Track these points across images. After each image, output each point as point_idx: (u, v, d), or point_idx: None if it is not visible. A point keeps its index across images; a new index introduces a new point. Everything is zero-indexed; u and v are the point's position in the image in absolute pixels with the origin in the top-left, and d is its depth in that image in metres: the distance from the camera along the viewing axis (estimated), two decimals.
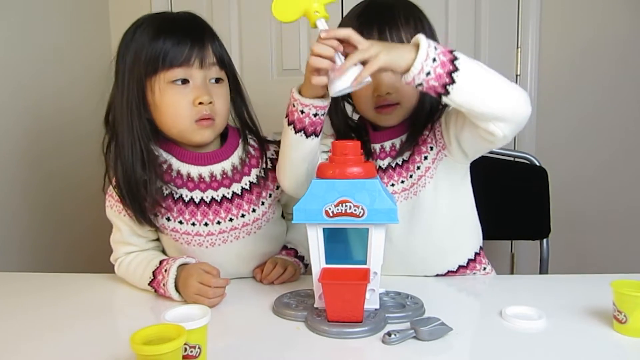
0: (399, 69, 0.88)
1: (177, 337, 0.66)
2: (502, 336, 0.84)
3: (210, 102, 1.03)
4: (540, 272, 1.51)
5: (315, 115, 0.95)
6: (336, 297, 0.84)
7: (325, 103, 0.95)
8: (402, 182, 1.10)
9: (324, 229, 0.87)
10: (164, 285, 1.01)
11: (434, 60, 0.86)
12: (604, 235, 2.11)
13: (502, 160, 1.47)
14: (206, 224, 1.10)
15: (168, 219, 1.09)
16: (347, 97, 1.12)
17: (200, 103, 1.01)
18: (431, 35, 1.08)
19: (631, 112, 2.06)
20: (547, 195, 1.49)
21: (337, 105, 1.12)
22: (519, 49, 2.07)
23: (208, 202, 1.09)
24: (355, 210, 0.83)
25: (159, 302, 1.03)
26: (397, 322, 0.87)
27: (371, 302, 0.90)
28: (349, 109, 1.16)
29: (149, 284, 1.04)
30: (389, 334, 0.81)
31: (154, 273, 1.04)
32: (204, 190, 1.09)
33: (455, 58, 0.87)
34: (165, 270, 1.02)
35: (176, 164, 1.08)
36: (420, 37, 0.87)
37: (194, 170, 1.08)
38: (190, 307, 0.78)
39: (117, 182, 1.06)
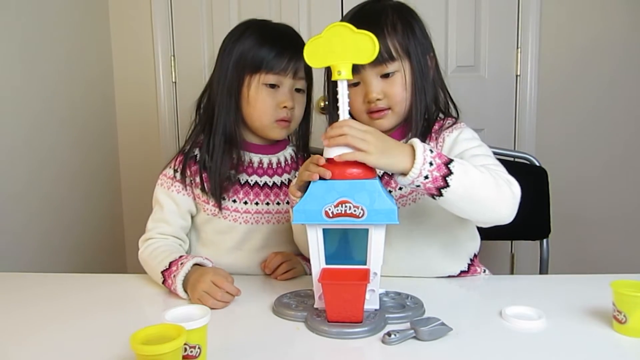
0: (391, 172, 0.90)
1: (177, 337, 0.66)
2: (502, 336, 0.84)
3: (292, 108, 1.18)
4: (540, 273, 1.51)
5: None
6: (336, 298, 0.84)
7: None
8: (400, 189, 1.11)
9: (323, 229, 0.87)
10: (174, 276, 1.03)
11: (431, 164, 0.87)
12: (603, 236, 2.11)
13: (501, 161, 1.46)
14: (246, 202, 1.20)
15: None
16: None
17: (284, 107, 1.16)
18: (422, 37, 1.08)
19: (631, 112, 2.06)
20: (547, 195, 1.49)
21: (336, 109, 1.12)
22: (519, 50, 2.08)
23: (252, 184, 1.21)
24: (355, 210, 0.83)
25: (160, 302, 1.03)
26: (397, 323, 0.87)
27: (371, 302, 0.89)
28: None
29: (161, 272, 1.06)
30: (388, 334, 0.81)
31: (170, 263, 1.06)
32: (250, 174, 1.21)
33: (450, 161, 0.89)
34: (182, 264, 1.04)
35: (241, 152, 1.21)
36: (416, 144, 0.87)
37: (255, 158, 1.22)
38: (191, 307, 0.78)
39: (200, 157, 1.19)
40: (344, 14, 1.12)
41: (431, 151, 0.88)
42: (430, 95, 1.09)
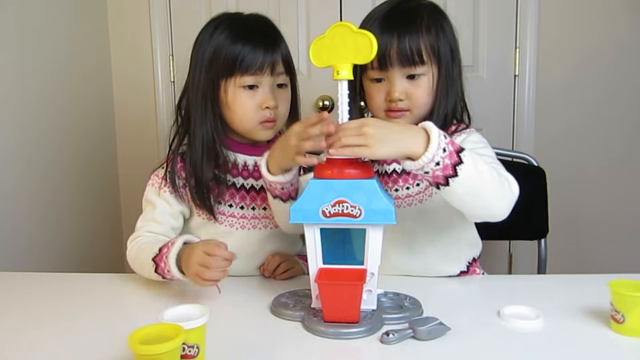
0: (401, 158, 0.87)
1: (175, 336, 0.66)
2: (500, 336, 0.84)
3: (275, 107, 1.11)
4: (538, 272, 1.52)
5: (291, 185, 0.98)
6: (332, 298, 0.84)
7: (290, 177, 0.96)
8: (408, 188, 1.10)
9: (321, 229, 0.87)
10: (165, 257, 0.99)
11: (444, 150, 0.84)
12: (601, 236, 2.12)
13: (500, 161, 1.48)
14: (242, 207, 1.17)
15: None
16: (363, 96, 1.12)
17: (267, 107, 1.10)
18: (453, 42, 1.08)
19: (629, 112, 2.06)
20: (545, 195, 1.49)
21: (355, 103, 1.10)
22: (518, 49, 2.08)
23: (248, 188, 1.17)
24: (352, 210, 0.83)
25: (158, 302, 1.03)
26: (394, 324, 0.87)
27: (368, 302, 0.89)
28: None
29: (152, 259, 1.02)
30: (387, 333, 0.81)
31: (160, 249, 1.02)
32: (246, 178, 1.17)
33: (462, 149, 0.86)
34: (172, 244, 1.00)
35: (232, 154, 1.16)
36: (430, 127, 0.85)
37: (250, 160, 1.17)
38: (189, 306, 0.78)
39: (185, 172, 1.14)
40: (373, 8, 1.09)
41: (445, 137, 0.85)
42: (451, 103, 1.08)
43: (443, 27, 1.06)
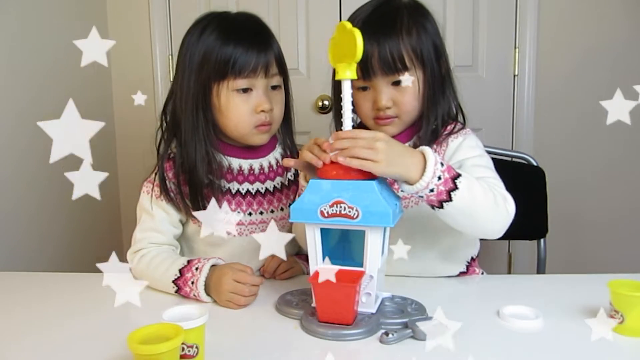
0: (400, 180, 0.88)
1: (174, 336, 0.66)
2: (500, 336, 0.84)
3: (270, 110, 1.08)
4: (538, 272, 1.52)
5: None
6: (326, 298, 0.84)
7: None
8: (403, 191, 1.10)
9: (323, 229, 0.87)
10: (192, 283, 0.99)
11: (439, 178, 0.86)
12: (601, 236, 2.12)
13: (499, 160, 1.47)
14: (238, 213, 1.13)
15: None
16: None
17: (262, 111, 1.07)
18: (437, 41, 1.06)
19: (629, 112, 2.06)
20: (545, 195, 1.49)
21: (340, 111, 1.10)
22: (517, 49, 2.08)
23: (243, 193, 1.14)
24: (349, 211, 0.82)
25: (158, 302, 1.03)
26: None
27: (367, 305, 0.88)
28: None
29: (173, 281, 1.01)
30: (386, 333, 0.81)
31: (181, 271, 1.01)
32: (241, 182, 1.14)
33: (458, 175, 0.88)
34: (197, 269, 0.99)
35: (225, 159, 1.13)
36: (428, 154, 0.86)
37: (245, 164, 1.15)
38: (189, 306, 0.78)
39: (175, 175, 1.10)
40: (357, 9, 1.07)
41: (442, 164, 0.86)
42: (443, 104, 1.07)
43: (425, 27, 1.04)
